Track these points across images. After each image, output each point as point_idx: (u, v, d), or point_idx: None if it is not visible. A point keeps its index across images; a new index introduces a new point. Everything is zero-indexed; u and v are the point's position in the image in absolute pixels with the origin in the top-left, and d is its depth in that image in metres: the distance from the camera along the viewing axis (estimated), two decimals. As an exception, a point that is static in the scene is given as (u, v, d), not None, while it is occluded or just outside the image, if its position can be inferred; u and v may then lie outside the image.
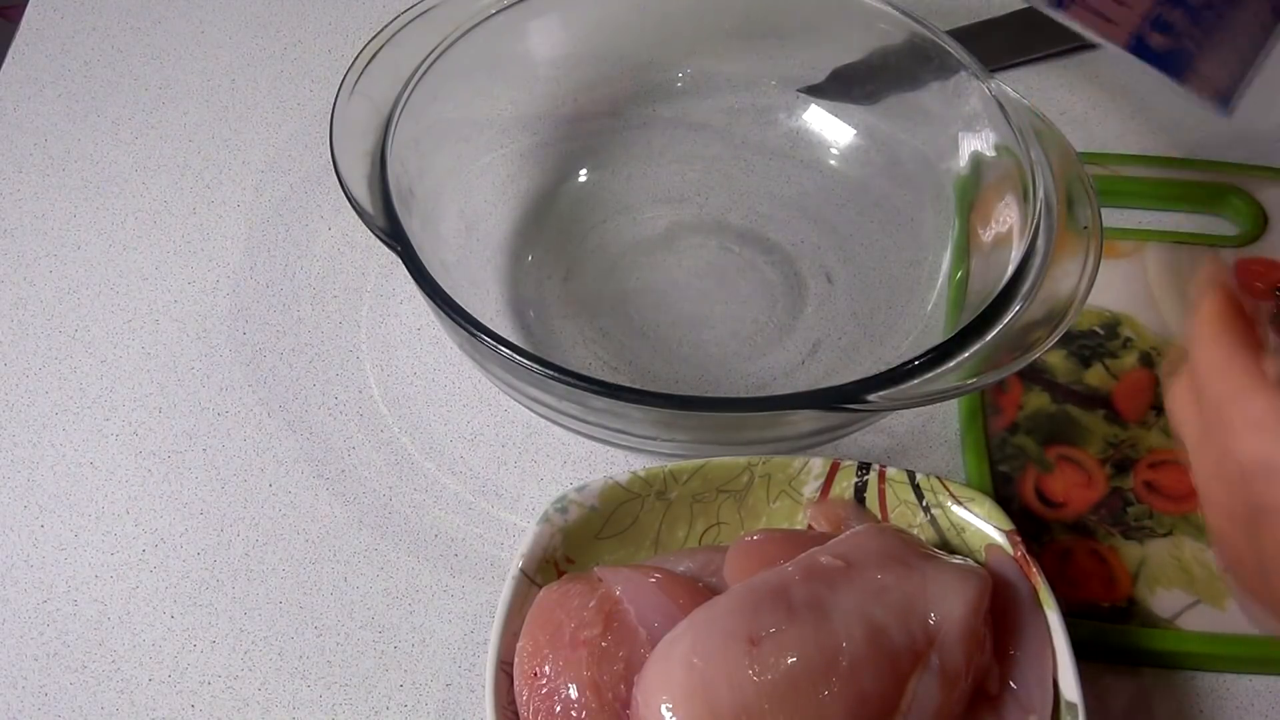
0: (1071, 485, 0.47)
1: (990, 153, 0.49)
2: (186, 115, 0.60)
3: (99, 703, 0.42)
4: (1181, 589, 0.45)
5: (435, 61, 0.49)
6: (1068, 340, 0.51)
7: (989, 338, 0.41)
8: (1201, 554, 0.45)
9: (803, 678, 0.35)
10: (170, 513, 0.47)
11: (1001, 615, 0.40)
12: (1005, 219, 0.47)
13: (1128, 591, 0.45)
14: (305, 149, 0.59)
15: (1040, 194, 0.45)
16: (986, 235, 0.48)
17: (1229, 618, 0.44)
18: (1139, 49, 0.44)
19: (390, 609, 0.45)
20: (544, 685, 0.38)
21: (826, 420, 0.43)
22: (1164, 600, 0.44)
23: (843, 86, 0.55)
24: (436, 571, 0.46)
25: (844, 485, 0.44)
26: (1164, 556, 0.45)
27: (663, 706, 0.35)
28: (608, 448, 0.49)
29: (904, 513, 0.44)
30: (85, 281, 0.54)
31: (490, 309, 0.51)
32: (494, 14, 0.51)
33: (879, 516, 0.44)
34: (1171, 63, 0.45)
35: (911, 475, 0.44)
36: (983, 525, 0.43)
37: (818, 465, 0.44)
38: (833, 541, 0.40)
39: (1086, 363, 0.51)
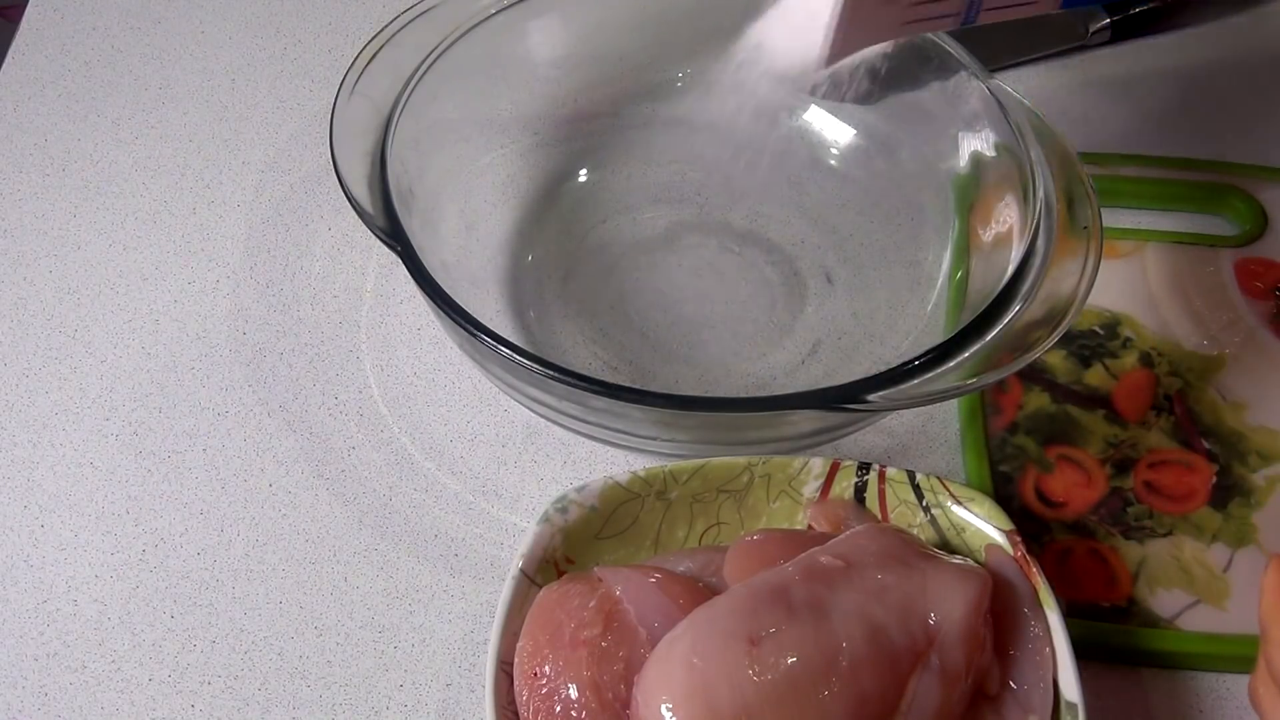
0: (1071, 485, 0.47)
1: (990, 153, 0.49)
2: (186, 115, 0.60)
3: (99, 703, 0.42)
4: (1181, 589, 0.45)
5: (435, 61, 0.49)
6: (1068, 340, 0.51)
7: (989, 338, 0.41)
8: (1201, 554, 0.45)
9: (803, 678, 0.35)
10: (170, 513, 0.47)
11: (1001, 615, 0.40)
12: (1005, 219, 0.46)
13: (1128, 591, 0.45)
14: (305, 149, 0.59)
15: (1040, 194, 0.45)
16: (986, 235, 0.48)
17: (1229, 618, 0.44)
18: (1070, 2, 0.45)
19: (390, 609, 0.45)
20: (544, 685, 0.38)
21: (826, 420, 0.43)
22: (1164, 600, 0.44)
23: (843, 87, 0.55)
24: (436, 571, 0.46)
25: (844, 485, 0.44)
26: (1164, 556, 0.45)
27: (663, 706, 0.35)
28: (608, 448, 0.49)
29: (904, 513, 0.44)
30: (85, 281, 0.54)
31: (490, 309, 0.51)
32: (494, 14, 0.51)
33: (879, 516, 0.44)
34: None
35: (911, 475, 0.44)
36: (983, 525, 0.43)
37: (818, 465, 0.44)
38: (833, 541, 0.40)
39: (1086, 363, 0.51)
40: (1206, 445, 0.48)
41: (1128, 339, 0.51)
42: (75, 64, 0.63)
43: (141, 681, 0.43)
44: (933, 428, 0.50)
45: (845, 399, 0.39)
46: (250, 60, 0.63)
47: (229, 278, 0.54)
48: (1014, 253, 0.44)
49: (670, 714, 0.35)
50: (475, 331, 0.41)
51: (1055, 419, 0.49)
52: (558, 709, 0.37)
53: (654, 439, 0.44)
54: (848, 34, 0.40)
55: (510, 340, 0.40)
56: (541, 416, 0.47)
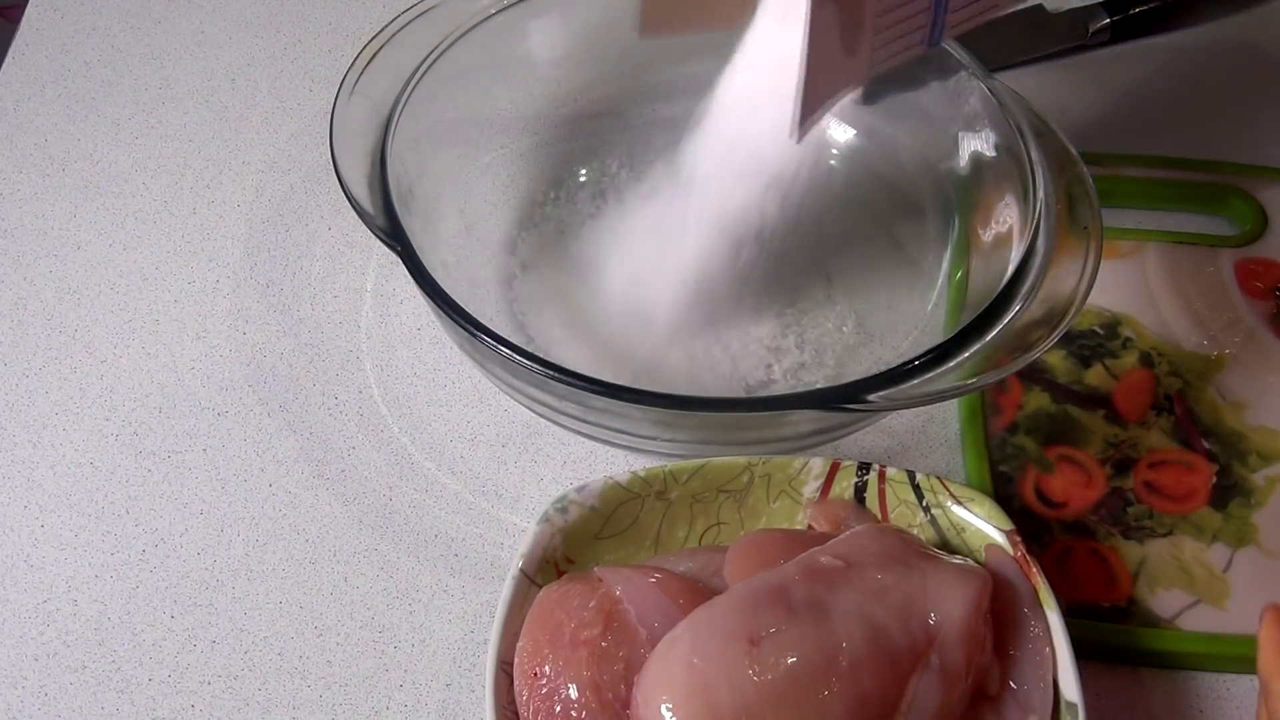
0: (1071, 485, 0.47)
1: (990, 153, 0.49)
2: (186, 115, 0.60)
3: (99, 703, 0.42)
4: (1181, 589, 0.45)
5: (435, 61, 0.49)
6: (1068, 340, 0.51)
7: (989, 338, 0.41)
8: (1201, 554, 0.45)
9: (803, 678, 0.35)
10: (170, 513, 0.47)
11: (1001, 615, 0.40)
12: (1005, 219, 0.47)
13: (1128, 591, 0.45)
14: (305, 149, 0.59)
15: (1040, 194, 0.45)
16: (986, 235, 0.48)
17: (1229, 618, 0.44)
18: None
19: (390, 609, 0.45)
20: (544, 685, 0.38)
21: (826, 420, 0.43)
22: (1164, 600, 0.44)
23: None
24: (436, 571, 0.46)
25: (844, 485, 0.44)
26: (1164, 556, 0.45)
27: (663, 706, 0.35)
28: (608, 448, 0.49)
29: (904, 513, 0.44)
30: (85, 281, 0.54)
31: (490, 309, 0.50)
32: (494, 14, 0.51)
33: (879, 516, 0.44)
34: None
35: (911, 475, 0.44)
36: (983, 525, 0.43)
37: (818, 465, 0.44)
38: (833, 541, 0.40)
39: (1086, 363, 0.51)
40: (1206, 445, 0.48)
41: (1128, 339, 0.51)
42: (75, 64, 0.63)
43: (141, 681, 0.43)
44: (933, 428, 0.50)
45: (845, 399, 0.39)
46: (250, 60, 0.63)
47: (229, 278, 0.54)
48: (1014, 253, 0.44)
49: (670, 714, 0.35)
50: (475, 331, 0.41)
51: (1055, 419, 0.49)
52: (558, 709, 0.37)
53: (654, 439, 0.44)
54: (816, 91, 0.39)
55: (510, 340, 0.40)
56: (541, 416, 0.47)
